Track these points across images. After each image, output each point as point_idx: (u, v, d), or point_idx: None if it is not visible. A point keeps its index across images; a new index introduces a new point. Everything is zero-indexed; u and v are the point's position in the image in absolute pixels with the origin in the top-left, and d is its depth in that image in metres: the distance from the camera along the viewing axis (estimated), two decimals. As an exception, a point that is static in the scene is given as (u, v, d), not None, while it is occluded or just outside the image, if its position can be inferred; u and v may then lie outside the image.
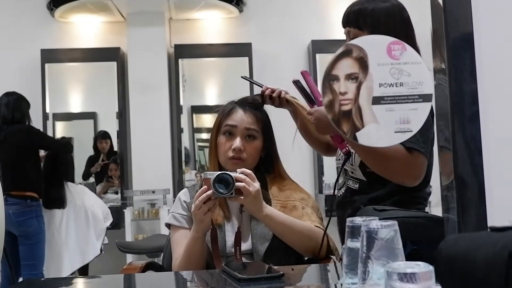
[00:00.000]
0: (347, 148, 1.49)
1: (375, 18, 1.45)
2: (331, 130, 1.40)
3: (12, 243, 3.39)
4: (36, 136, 3.59)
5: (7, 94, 3.60)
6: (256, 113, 1.60)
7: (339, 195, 1.61)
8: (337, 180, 1.57)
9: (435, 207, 3.59)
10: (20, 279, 3.31)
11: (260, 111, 1.63)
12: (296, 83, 1.51)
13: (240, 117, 1.58)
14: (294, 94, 1.64)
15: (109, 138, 4.95)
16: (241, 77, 1.58)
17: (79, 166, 4.66)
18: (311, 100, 1.50)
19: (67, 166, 3.88)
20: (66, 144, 3.75)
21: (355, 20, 1.49)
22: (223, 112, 1.62)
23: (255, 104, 1.64)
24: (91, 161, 4.97)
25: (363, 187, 1.52)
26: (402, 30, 1.44)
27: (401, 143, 1.29)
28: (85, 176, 4.93)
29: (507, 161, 0.91)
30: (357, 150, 1.45)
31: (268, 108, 1.68)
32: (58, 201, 3.62)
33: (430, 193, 1.55)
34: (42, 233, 3.49)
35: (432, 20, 1.05)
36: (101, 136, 4.96)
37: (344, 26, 1.52)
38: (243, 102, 1.63)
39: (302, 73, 1.49)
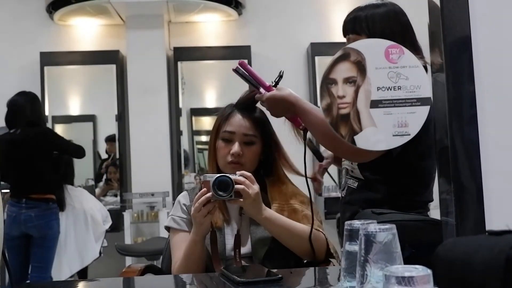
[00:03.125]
0: (303, 125, 1.51)
1: (370, 23, 1.48)
2: (285, 113, 1.48)
3: (26, 246, 3.39)
4: (54, 139, 3.57)
5: (22, 94, 3.56)
6: (254, 117, 1.60)
7: (342, 195, 1.60)
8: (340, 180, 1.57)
9: (433, 210, 3.59)
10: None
11: (258, 114, 1.63)
12: (237, 70, 1.50)
13: (238, 122, 1.58)
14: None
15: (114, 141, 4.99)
16: (233, 70, 1.52)
17: (79, 169, 4.66)
18: (255, 86, 1.52)
19: (67, 169, 3.87)
20: (80, 149, 3.74)
21: (352, 28, 1.52)
22: (221, 116, 1.61)
23: (252, 105, 1.63)
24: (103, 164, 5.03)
25: (361, 186, 1.52)
26: (399, 33, 1.46)
27: None
28: (98, 178, 4.99)
29: (505, 164, 0.91)
30: (305, 121, 1.47)
31: (266, 111, 1.67)
32: (58, 203, 3.61)
33: (432, 200, 1.54)
34: (58, 236, 3.49)
35: (429, 24, 1.05)
36: (111, 139, 5.00)
37: (344, 36, 1.55)
38: (242, 105, 1.62)
39: (240, 64, 1.50)
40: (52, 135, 3.60)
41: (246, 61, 1.54)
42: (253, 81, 1.50)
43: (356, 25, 1.50)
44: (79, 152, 3.72)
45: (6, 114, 3.48)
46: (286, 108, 1.46)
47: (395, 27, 1.48)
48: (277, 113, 1.50)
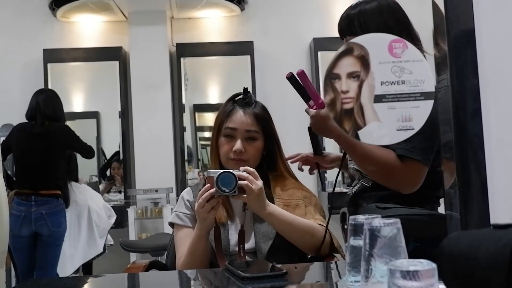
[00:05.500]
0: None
1: (361, 21, 1.48)
2: (325, 134, 1.44)
3: (33, 245, 3.38)
4: (71, 137, 3.60)
5: (43, 91, 3.61)
6: (256, 113, 1.60)
7: (353, 192, 1.60)
8: (337, 177, 1.56)
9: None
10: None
11: (260, 109, 1.62)
12: (290, 79, 1.44)
13: (240, 118, 1.58)
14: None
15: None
16: (287, 77, 1.43)
17: (83, 166, 4.67)
18: (307, 98, 1.45)
19: (71, 165, 3.89)
20: (92, 151, 3.78)
21: (347, 28, 1.51)
22: (223, 113, 1.61)
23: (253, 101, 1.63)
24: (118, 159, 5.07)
25: (376, 184, 1.51)
26: (394, 26, 1.45)
27: (397, 152, 1.36)
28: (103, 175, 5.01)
29: (509, 157, 0.91)
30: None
31: (269, 106, 1.67)
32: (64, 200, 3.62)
33: (442, 196, 1.54)
34: (65, 233, 3.50)
35: (433, 18, 1.04)
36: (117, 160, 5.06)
37: (341, 38, 1.55)
38: (243, 100, 1.62)
39: (299, 73, 1.43)
40: (71, 133, 3.61)
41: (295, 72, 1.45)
42: (305, 93, 1.43)
43: (351, 25, 1.50)
44: (91, 153, 3.76)
45: (28, 109, 3.50)
46: (328, 133, 1.42)
47: (389, 21, 1.47)
48: (320, 131, 1.47)
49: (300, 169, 1.69)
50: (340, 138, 1.41)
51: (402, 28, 1.47)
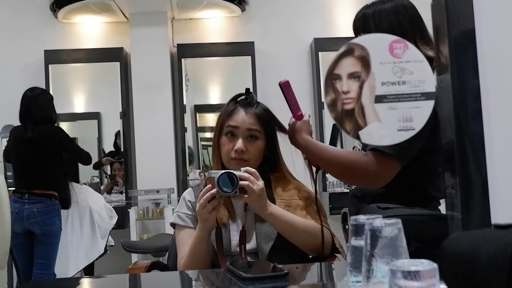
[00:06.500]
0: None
1: (377, 20, 1.50)
2: (295, 145, 1.53)
3: (30, 243, 3.42)
4: (65, 140, 3.62)
5: (34, 90, 3.62)
6: (257, 113, 1.60)
7: (352, 188, 1.61)
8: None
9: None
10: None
11: (261, 110, 1.63)
12: (282, 87, 1.50)
13: (242, 117, 1.58)
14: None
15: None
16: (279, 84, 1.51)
17: (84, 166, 4.68)
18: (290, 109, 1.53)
19: (72, 167, 3.89)
20: (88, 157, 3.80)
21: (362, 27, 1.53)
22: (225, 112, 1.62)
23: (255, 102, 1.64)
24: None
25: None
26: (409, 27, 1.46)
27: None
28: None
29: (510, 157, 0.91)
30: (325, 168, 1.52)
31: (270, 106, 1.68)
32: (63, 201, 3.63)
33: (442, 197, 1.53)
34: (60, 232, 3.52)
35: (433, 18, 1.05)
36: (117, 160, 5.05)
37: (356, 36, 1.56)
38: (245, 101, 1.63)
39: (282, 84, 1.49)
40: (64, 136, 3.63)
41: (287, 81, 1.51)
42: (288, 103, 1.51)
43: (366, 23, 1.51)
44: (87, 159, 3.78)
45: (21, 109, 3.52)
46: (297, 145, 1.52)
47: (404, 21, 1.49)
48: (293, 142, 1.54)
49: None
50: (308, 150, 1.49)
51: (416, 29, 1.49)
